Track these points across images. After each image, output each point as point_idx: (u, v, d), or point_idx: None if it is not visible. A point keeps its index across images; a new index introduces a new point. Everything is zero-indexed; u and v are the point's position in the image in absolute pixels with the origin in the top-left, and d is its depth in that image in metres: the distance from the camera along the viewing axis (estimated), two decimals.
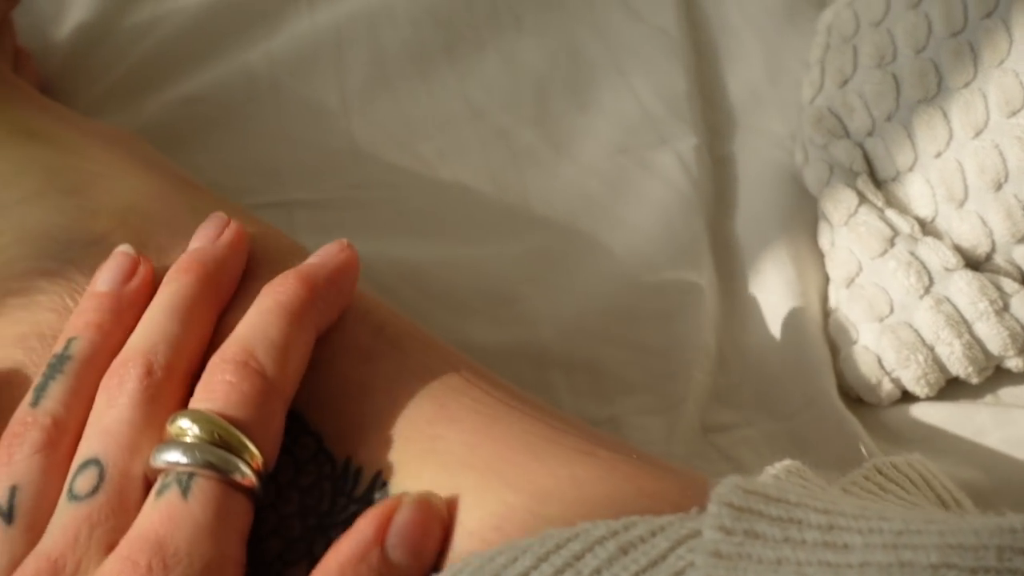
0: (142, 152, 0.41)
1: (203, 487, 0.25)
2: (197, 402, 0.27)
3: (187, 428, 0.26)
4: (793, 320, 0.44)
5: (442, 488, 0.27)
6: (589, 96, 0.49)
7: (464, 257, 0.46)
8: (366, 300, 0.34)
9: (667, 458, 0.40)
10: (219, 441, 0.26)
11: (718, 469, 0.41)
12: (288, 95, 0.49)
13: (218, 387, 0.27)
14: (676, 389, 0.43)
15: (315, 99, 0.49)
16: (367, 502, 0.28)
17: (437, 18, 0.50)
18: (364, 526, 0.26)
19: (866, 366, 0.42)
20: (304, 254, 0.34)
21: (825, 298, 0.46)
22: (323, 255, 0.32)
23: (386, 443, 0.29)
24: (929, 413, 0.42)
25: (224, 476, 0.26)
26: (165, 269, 0.33)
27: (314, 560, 0.28)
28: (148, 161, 0.40)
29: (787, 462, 0.28)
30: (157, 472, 0.27)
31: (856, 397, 0.43)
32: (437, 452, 0.28)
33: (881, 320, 0.42)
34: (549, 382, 0.43)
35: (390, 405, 0.30)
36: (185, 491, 0.25)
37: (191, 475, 0.26)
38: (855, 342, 0.43)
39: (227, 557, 0.25)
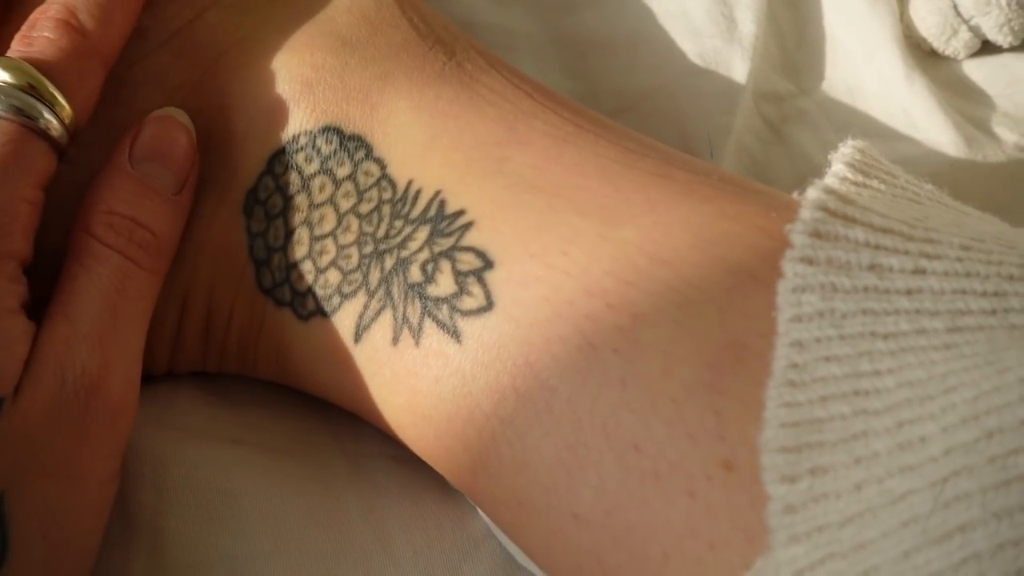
0: None
1: (3, 128, 0.26)
2: (13, 52, 0.28)
3: None
4: None
5: (506, 208, 0.26)
6: None
7: None
8: (434, 19, 0.32)
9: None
10: (28, 89, 0.27)
11: (769, 156, 0.37)
12: None
13: (36, 40, 0.28)
14: (725, 47, 0.37)
15: None
16: (423, 223, 0.27)
17: None
18: (114, 154, 0.28)
19: (939, 13, 0.38)
20: None
21: None
22: None
23: (449, 164, 0.28)
24: (1013, 65, 0.38)
25: (27, 121, 0.27)
26: None
27: (369, 290, 0.27)
28: None
29: (854, 147, 0.24)
30: None
31: (928, 50, 0.39)
32: (503, 173, 0.27)
33: None
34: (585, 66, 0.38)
35: (456, 128, 0.28)
36: None
37: None
38: None
39: (18, 195, 0.26)
